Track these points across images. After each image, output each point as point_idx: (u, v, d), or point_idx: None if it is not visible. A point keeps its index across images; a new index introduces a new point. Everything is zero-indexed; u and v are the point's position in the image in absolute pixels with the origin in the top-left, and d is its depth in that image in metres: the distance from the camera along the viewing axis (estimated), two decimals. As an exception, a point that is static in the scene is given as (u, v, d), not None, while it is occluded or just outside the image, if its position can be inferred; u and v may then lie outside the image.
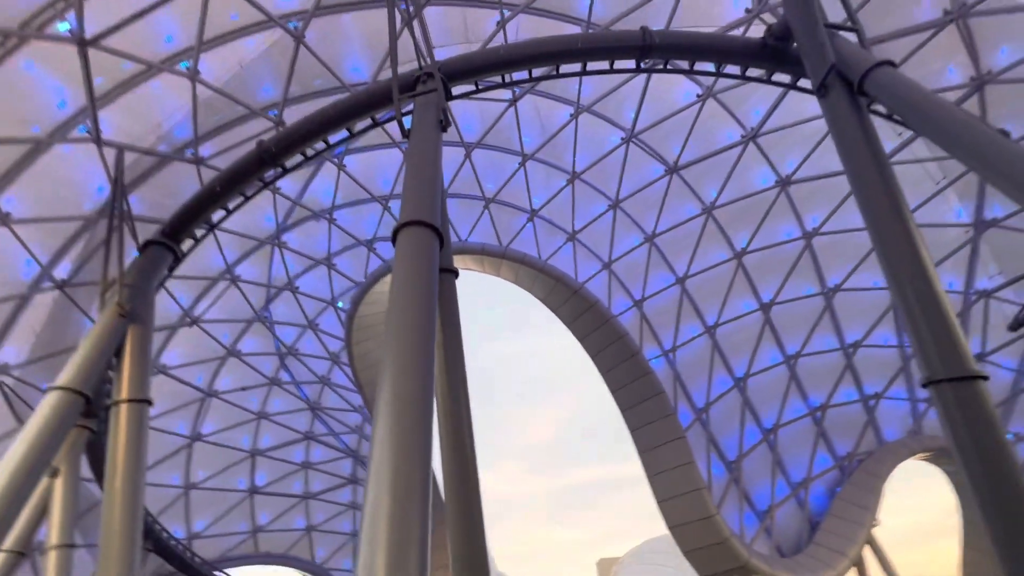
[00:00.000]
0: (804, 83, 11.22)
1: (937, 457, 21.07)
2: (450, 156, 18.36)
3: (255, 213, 18.41)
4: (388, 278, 20.54)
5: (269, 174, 12.34)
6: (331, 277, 21.07)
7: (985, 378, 6.86)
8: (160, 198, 16.89)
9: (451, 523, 7.31)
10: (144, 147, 14.37)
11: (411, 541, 4.31)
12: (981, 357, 19.48)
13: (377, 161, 18.56)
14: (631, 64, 11.34)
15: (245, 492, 26.54)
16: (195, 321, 20.22)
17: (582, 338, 19.28)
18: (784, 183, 17.98)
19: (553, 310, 19.70)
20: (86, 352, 9.96)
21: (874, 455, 19.17)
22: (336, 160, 17.59)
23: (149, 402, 10.33)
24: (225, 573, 24.90)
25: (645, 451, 17.39)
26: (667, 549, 48.60)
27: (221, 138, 15.49)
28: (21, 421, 15.61)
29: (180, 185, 17.01)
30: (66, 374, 9.54)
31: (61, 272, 15.52)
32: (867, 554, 17.65)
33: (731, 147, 17.65)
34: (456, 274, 8.72)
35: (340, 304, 21.80)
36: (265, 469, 26.73)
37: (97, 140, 13.14)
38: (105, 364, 10.15)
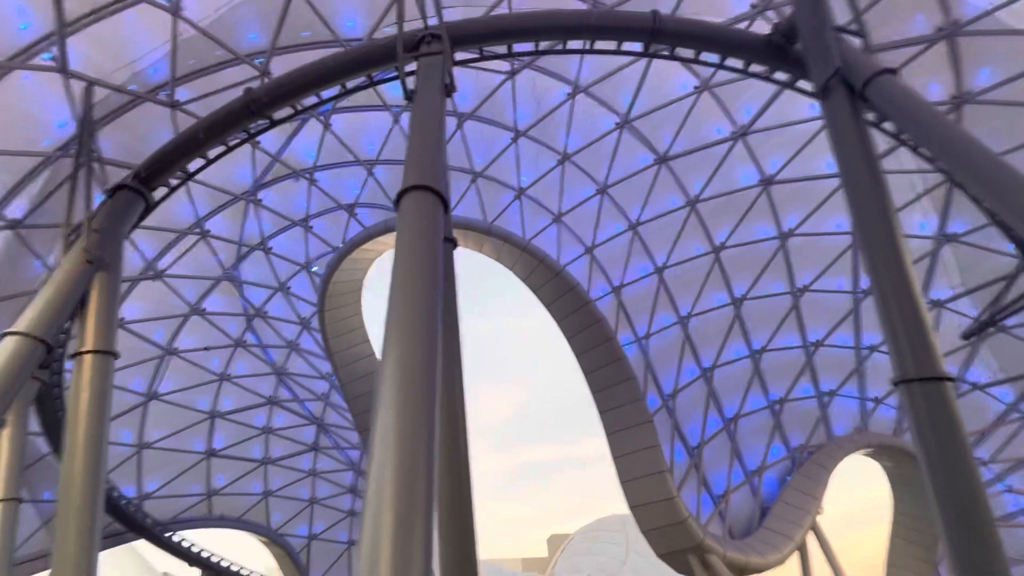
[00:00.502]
0: (802, 84, 11.47)
1: (876, 453, 22.53)
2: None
3: (231, 167, 17.53)
4: (367, 245, 20.11)
5: (255, 125, 11.75)
6: (307, 240, 20.42)
7: (952, 380, 7.30)
8: (128, 141, 15.81)
9: (441, 499, 7.31)
10: (115, 84, 13.34)
11: (416, 511, 4.29)
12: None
13: (364, 123, 17.92)
14: (638, 47, 11.28)
15: (202, 454, 25.87)
16: (159, 275, 19.28)
17: (560, 320, 19.46)
18: (767, 182, 18.40)
19: (533, 290, 19.75)
20: (48, 298, 9.36)
21: (824, 448, 20.35)
22: (322, 118, 16.88)
23: (115, 355, 9.84)
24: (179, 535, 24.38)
25: (613, 433, 17.88)
26: (616, 528, 50.51)
27: (200, 82, 14.56)
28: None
29: (151, 129, 15.97)
30: (25, 319, 8.95)
31: (15, 212, 14.46)
32: (810, 539, 18.86)
33: (720, 142, 17.88)
34: (455, 244, 8.60)
35: (315, 268, 21.20)
36: (224, 432, 26.08)
37: (64, 70, 12.14)
38: (68, 312, 9.58)
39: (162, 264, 19.41)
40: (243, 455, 27.09)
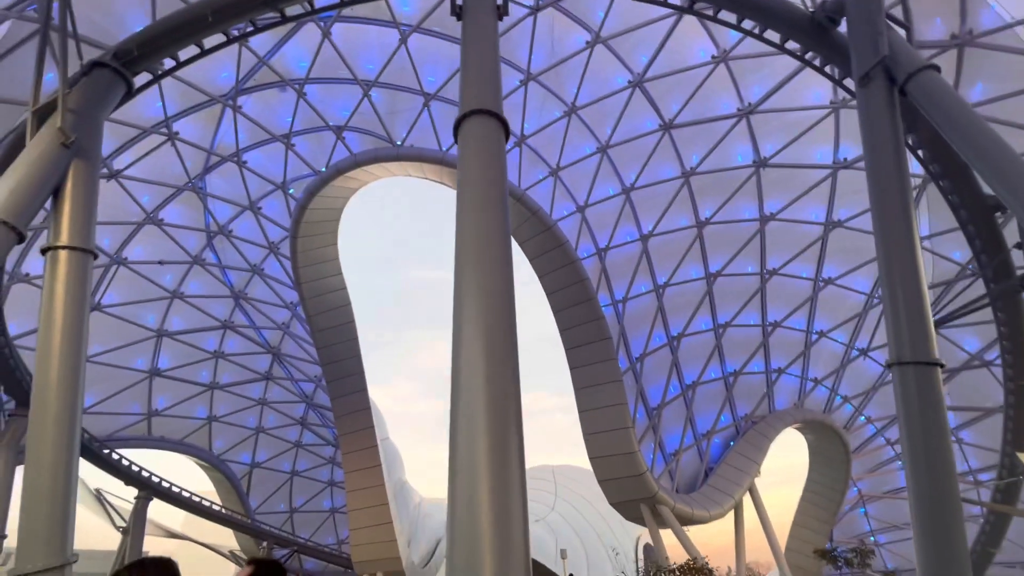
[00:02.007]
0: (829, 70, 11.60)
1: (804, 427, 24.84)
2: (450, 53, 16.83)
3: (210, 64, 15.66)
4: (353, 173, 19.00)
5: (263, 18, 10.51)
6: (287, 158, 18.97)
7: (942, 366, 8.01)
8: (91, 13, 13.75)
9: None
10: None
11: (510, 426, 4.25)
12: (865, 352, 22.81)
13: (366, 38, 16.50)
14: (683, 2, 10.94)
15: (145, 373, 24.50)
16: (114, 174, 17.38)
17: (543, 275, 19.49)
18: (760, 164, 18.85)
19: (520, 242, 19.54)
20: (18, 180, 8.17)
21: (766, 419, 22.16)
22: (323, 24, 15.35)
23: (94, 254, 8.86)
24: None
25: (581, 388, 18.52)
26: (546, 477, 53.45)
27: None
28: None
29: (124, 7, 13.99)
30: (-8, 201, 7.80)
31: (-53, 75, 12.38)
32: (745, 498, 20.83)
33: (725, 118, 18.00)
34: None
35: (292, 191, 19.85)
36: (170, 353, 24.71)
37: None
38: (43, 199, 8.44)
39: (118, 163, 17.47)
40: (189, 377, 25.90)
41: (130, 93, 10.48)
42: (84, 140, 9.11)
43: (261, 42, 15.71)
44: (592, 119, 18.41)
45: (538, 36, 16.45)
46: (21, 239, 8.07)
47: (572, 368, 18.80)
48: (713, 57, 16.59)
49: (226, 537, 33.86)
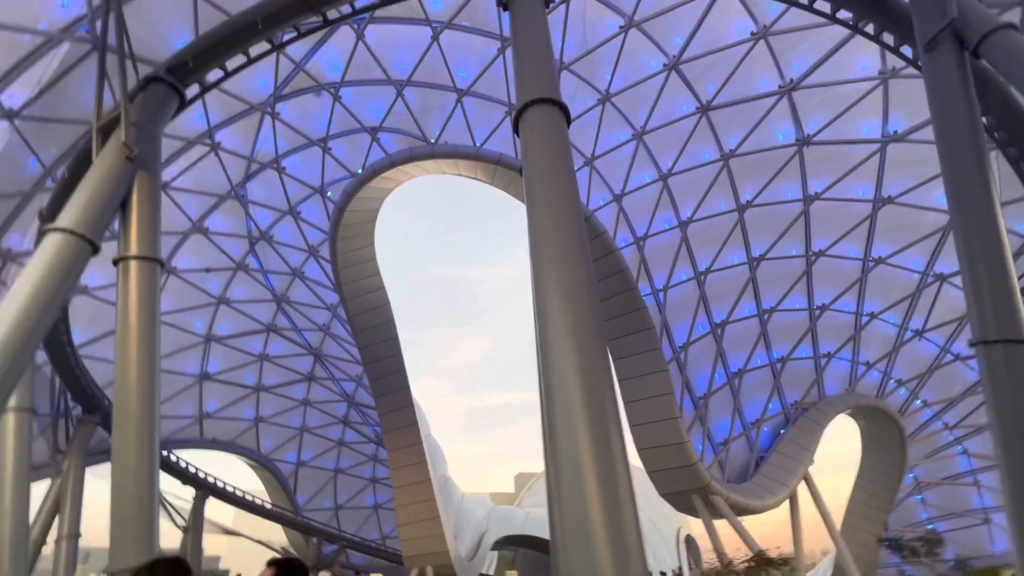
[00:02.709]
0: (885, 38, 11.06)
1: (855, 412, 24.03)
2: (481, 48, 16.76)
3: (249, 74, 15.98)
4: (389, 174, 19.16)
5: (305, 24, 10.63)
6: (324, 162, 19.25)
7: (1032, 343, 7.56)
8: (133, 26, 14.14)
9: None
10: (136, -42, 11.73)
11: (610, 420, 4.17)
12: (920, 333, 21.88)
13: (398, 38, 16.55)
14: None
15: (195, 377, 25.37)
16: (163, 187, 17.93)
17: (582, 266, 19.27)
18: (803, 143, 18.20)
19: (556, 234, 19.36)
20: (90, 195, 8.48)
21: (818, 405, 21.53)
22: (356, 27, 15.47)
23: (161, 263, 9.16)
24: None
25: (625, 379, 18.29)
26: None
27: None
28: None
29: (162, 16, 14.35)
30: (69, 216, 8.12)
31: (10, 101, 12.93)
32: (800, 487, 20.32)
33: (765, 96, 17.43)
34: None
35: (329, 194, 20.15)
36: (218, 357, 25.51)
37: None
38: (112, 213, 8.75)
39: (165, 175, 18.01)
40: (236, 380, 26.72)
41: (183, 105, 10.78)
42: (146, 153, 9.40)
43: (296, 49, 15.93)
44: (626, 105, 18.08)
45: (570, 24, 16.21)
46: (96, 251, 8.39)
47: (615, 359, 18.59)
48: (752, 34, 16.05)
49: (277, 533, 34.98)
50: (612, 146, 18.79)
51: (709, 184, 19.31)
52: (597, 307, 4.81)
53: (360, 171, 19.23)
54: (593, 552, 3.70)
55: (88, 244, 8.16)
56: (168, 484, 26.41)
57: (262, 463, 30.42)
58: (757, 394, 21.40)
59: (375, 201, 20.60)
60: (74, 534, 17.16)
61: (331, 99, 17.41)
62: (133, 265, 8.74)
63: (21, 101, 13.10)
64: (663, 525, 39.45)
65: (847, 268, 20.95)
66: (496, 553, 42.45)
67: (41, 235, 10.15)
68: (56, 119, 13.84)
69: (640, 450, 18.10)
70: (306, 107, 17.80)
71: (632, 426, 18.19)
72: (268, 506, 29.07)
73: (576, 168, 19.20)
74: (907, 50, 10.84)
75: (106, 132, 9.49)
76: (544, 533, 35.52)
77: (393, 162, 18.47)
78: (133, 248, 8.83)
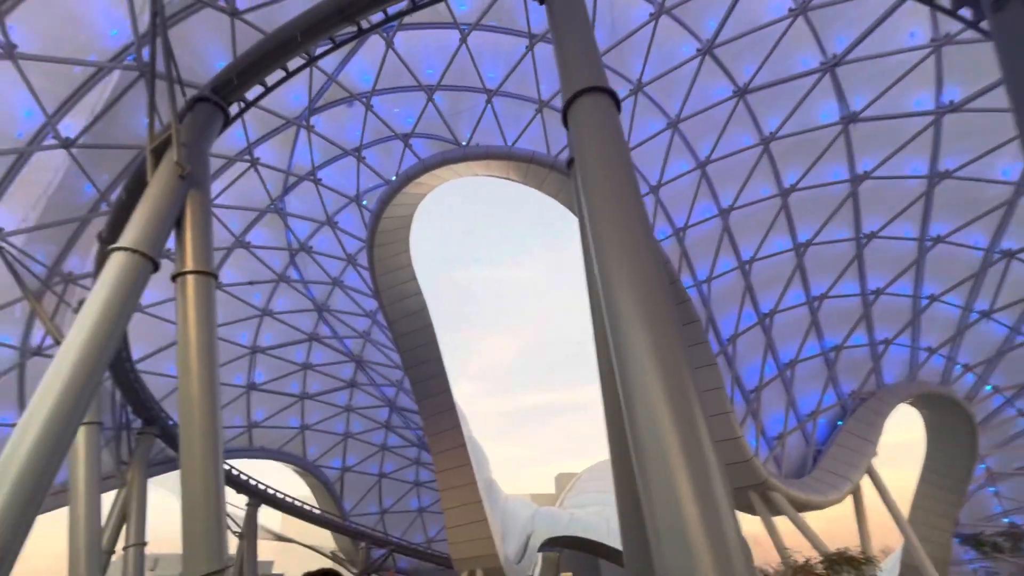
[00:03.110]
0: (941, 1, 10.40)
1: (917, 401, 22.77)
2: (510, 47, 16.65)
3: (283, 90, 16.31)
4: (422, 179, 19.25)
5: (340, 34, 10.74)
6: (359, 171, 19.51)
7: None
8: (182, 57, 14.65)
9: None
10: (176, -18, 12.11)
11: (696, 417, 3.94)
12: (987, 314, 20.55)
13: (426, 44, 16.61)
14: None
15: (243, 388, 26.09)
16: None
17: (620, 261, 18.89)
18: (849, 120, 17.37)
19: (592, 230, 19.06)
20: (148, 214, 8.77)
21: (877, 395, 20.49)
22: (385, 35, 15.59)
23: (215, 276, 9.38)
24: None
25: (672, 375, 17.78)
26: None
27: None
28: (26, 289, 14.23)
29: (202, 40, 14.80)
30: (130, 235, 8.40)
31: (66, 131, 13.55)
32: (864, 481, 19.36)
33: (806, 74, 16.71)
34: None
35: (365, 203, 20.41)
36: (264, 367, 26.19)
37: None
38: (169, 229, 9.02)
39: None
40: (281, 389, 27.37)
41: (227, 123, 11.05)
42: (196, 171, 9.67)
43: (328, 62, 16.18)
44: (660, 94, 17.63)
45: (599, 15, 15.92)
46: (156, 268, 8.65)
47: (659, 355, 18.14)
48: (790, 10, 15.41)
49: (325, 538, 35.70)
50: (646, 136, 18.37)
51: (750, 170, 18.64)
52: (668, 301, 4.58)
53: (394, 178, 19.40)
54: (692, 554, 3.49)
55: (149, 261, 8.42)
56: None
57: (309, 470, 31.08)
58: (811, 385, 20.53)
59: (409, 207, 20.75)
60: (140, 541, 17.86)
61: (363, 109, 17.61)
62: (190, 280, 8.98)
63: (76, 130, 13.73)
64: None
65: (902, 249, 19.89)
66: (540, 555, 42.22)
67: (103, 256, 10.57)
68: (108, 145, 14.43)
69: (691, 447, 17.56)
70: (339, 118, 18.06)
71: (681, 423, 17.67)
72: (319, 512, 29.66)
73: (610, 162, 18.94)
74: (966, 12, 10.19)
75: (158, 153, 9.81)
76: (590, 534, 35.10)
77: (426, 167, 18.55)
78: (189, 263, 9.07)
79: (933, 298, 20.35)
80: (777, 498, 16.96)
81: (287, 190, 19.81)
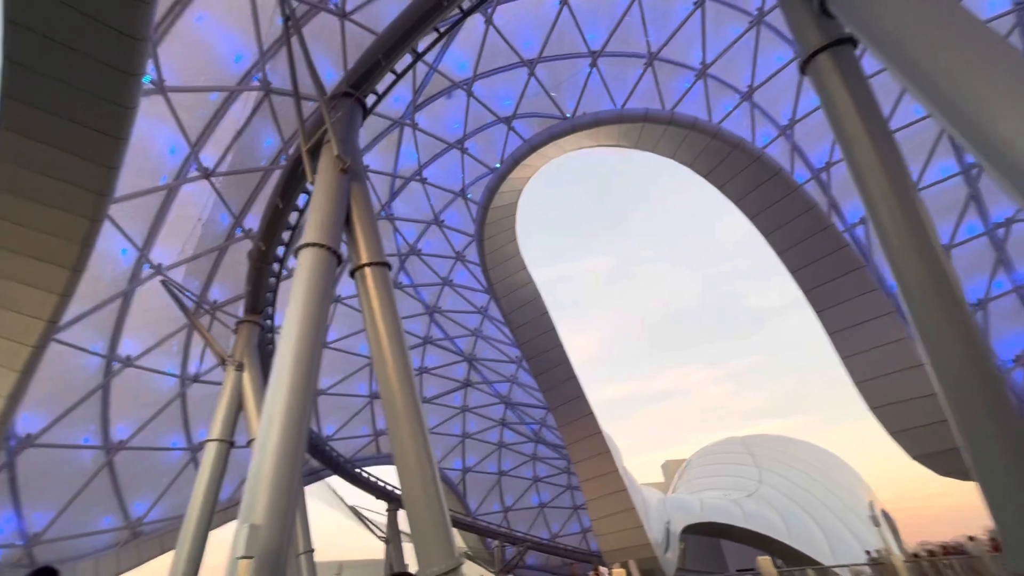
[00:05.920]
0: None
1: None
2: (607, 5, 15.51)
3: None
4: (528, 160, 18.51)
5: (455, 14, 10.19)
6: (463, 164, 19.16)
7: None
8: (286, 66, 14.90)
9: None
10: (294, -10, 12.13)
11: None
12: None
13: (521, 14, 15.84)
14: None
15: (366, 397, 26.76)
16: (325, 218, 18.93)
17: (756, 213, 17.14)
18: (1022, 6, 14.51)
19: (719, 186, 17.46)
20: (323, 210, 8.57)
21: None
22: (485, 15, 15.01)
23: (388, 266, 9.07)
24: (366, 472, 25.75)
25: (837, 332, 15.82)
26: (739, 449, 49.50)
27: None
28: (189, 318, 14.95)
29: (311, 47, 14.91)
30: (314, 231, 8.22)
31: (206, 162, 14.09)
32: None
33: None
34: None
35: (470, 195, 20.06)
36: (383, 375, 26.71)
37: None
38: (342, 222, 8.80)
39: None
40: (400, 396, 27.80)
41: (365, 115, 10.82)
42: (353, 164, 9.41)
43: (428, 56, 15.85)
44: (782, 21, 15.74)
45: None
46: (340, 261, 8.42)
47: (819, 311, 16.17)
48: None
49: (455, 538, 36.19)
50: (771, 72, 16.52)
51: (899, 92, 16.22)
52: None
53: (497, 165, 18.85)
54: None
55: (333, 255, 8.18)
56: (363, 499, 28.25)
57: (433, 473, 31.50)
58: (1010, 325, 17.56)
59: (514, 194, 20.15)
60: (308, 549, 18.49)
61: (464, 97, 17.17)
62: (368, 272, 8.70)
63: (212, 161, 14.24)
64: (854, 503, 35.19)
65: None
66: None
67: (257, 271, 10.54)
68: (239, 171, 14.91)
69: (875, 408, 15.47)
70: (439, 112, 17.76)
71: (858, 383, 15.63)
72: (455, 515, 29.93)
73: (731, 108, 17.21)
74: None
75: (312, 154, 9.68)
76: (727, 519, 33.02)
77: (533, 146, 17.83)
78: (364, 256, 8.81)
79: None
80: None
81: (394, 195, 19.86)
